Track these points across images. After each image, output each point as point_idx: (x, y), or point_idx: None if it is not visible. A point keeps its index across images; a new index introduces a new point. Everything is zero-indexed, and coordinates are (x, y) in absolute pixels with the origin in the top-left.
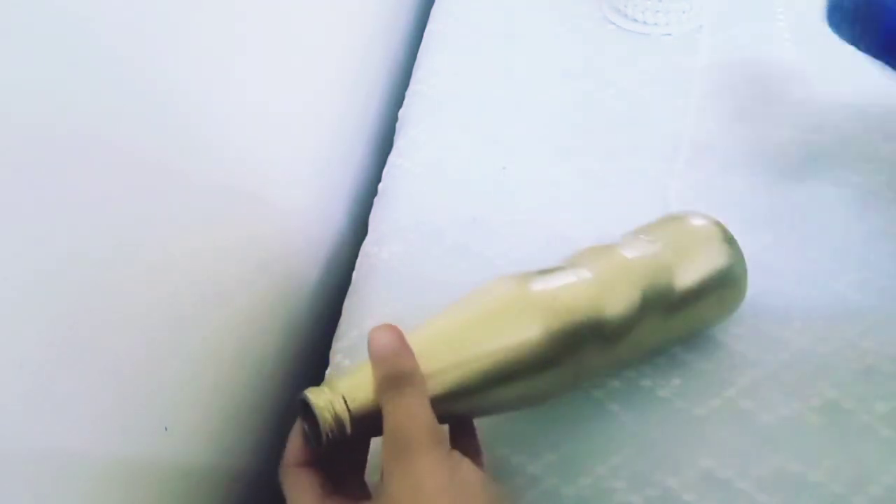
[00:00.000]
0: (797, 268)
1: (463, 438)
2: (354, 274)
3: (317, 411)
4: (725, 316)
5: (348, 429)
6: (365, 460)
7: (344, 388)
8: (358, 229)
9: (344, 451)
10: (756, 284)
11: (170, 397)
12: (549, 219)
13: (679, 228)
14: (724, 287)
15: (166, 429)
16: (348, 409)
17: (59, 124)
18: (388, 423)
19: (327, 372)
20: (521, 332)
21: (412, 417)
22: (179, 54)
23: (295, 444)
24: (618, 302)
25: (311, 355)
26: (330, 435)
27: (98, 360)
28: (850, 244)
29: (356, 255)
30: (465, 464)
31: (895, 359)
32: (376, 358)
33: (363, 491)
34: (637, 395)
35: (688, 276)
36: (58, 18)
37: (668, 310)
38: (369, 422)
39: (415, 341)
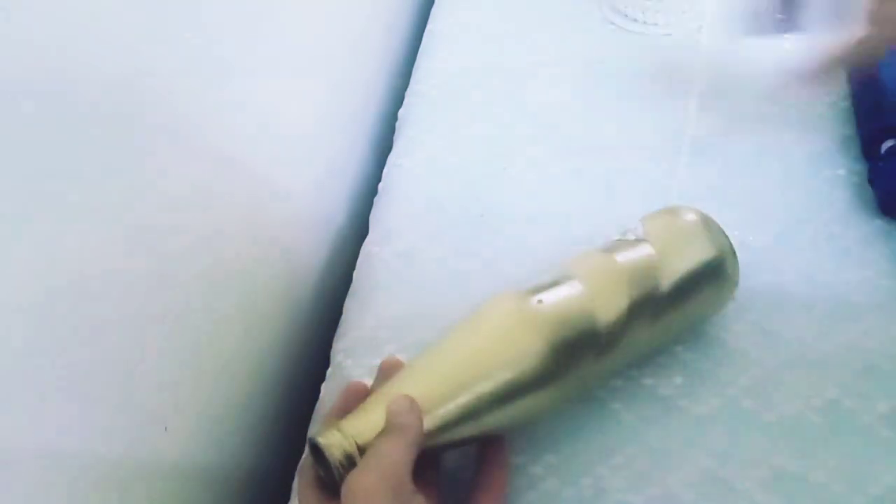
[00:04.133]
0: (797, 267)
1: (486, 468)
2: (354, 274)
3: (327, 453)
4: (721, 304)
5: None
6: None
7: (353, 430)
8: (358, 229)
9: None
10: (757, 283)
11: (170, 397)
12: (549, 219)
13: (666, 225)
14: (714, 279)
15: (166, 429)
16: (358, 448)
17: (46, 113)
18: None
19: (328, 371)
20: (522, 354)
21: (384, 454)
22: (179, 55)
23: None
24: (610, 309)
25: (312, 355)
26: (342, 472)
27: (97, 360)
28: (850, 244)
29: (356, 255)
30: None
31: (895, 358)
32: (388, 414)
33: None
34: (639, 394)
35: (676, 273)
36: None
37: (659, 310)
38: None
39: (418, 371)
